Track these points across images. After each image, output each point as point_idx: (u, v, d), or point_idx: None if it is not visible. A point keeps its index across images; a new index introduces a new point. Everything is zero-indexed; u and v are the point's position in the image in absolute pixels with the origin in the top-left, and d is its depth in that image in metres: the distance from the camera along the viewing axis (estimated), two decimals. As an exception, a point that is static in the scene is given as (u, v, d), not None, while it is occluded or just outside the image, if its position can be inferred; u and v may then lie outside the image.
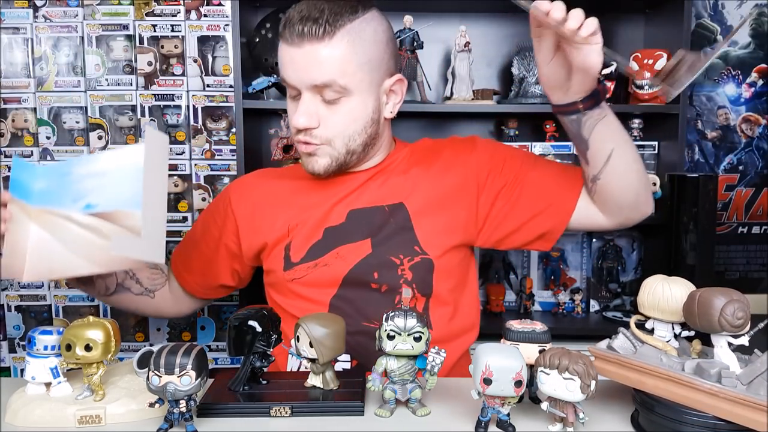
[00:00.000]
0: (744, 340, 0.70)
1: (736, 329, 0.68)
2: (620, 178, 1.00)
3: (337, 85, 0.99)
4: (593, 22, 0.83)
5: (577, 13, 0.83)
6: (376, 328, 1.01)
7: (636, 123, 1.93)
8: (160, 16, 2.06)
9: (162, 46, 2.06)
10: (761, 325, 0.73)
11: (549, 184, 1.08)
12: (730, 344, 0.71)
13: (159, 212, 0.86)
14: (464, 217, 1.09)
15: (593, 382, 0.67)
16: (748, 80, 2.06)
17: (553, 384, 0.69)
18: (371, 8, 1.04)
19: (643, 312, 0.77)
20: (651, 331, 0.77)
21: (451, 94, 1.85)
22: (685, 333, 0.77)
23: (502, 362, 0.69)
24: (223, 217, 1.16)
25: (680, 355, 0.75)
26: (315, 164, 1.06)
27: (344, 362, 1.01)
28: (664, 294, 0.74)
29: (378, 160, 1.13)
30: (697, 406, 0.68)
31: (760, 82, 2.06)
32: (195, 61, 2.07)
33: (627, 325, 0.79)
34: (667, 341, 0.76)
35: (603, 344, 0.79)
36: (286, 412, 0.77)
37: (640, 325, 0.79)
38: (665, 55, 1.82)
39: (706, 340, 0.78)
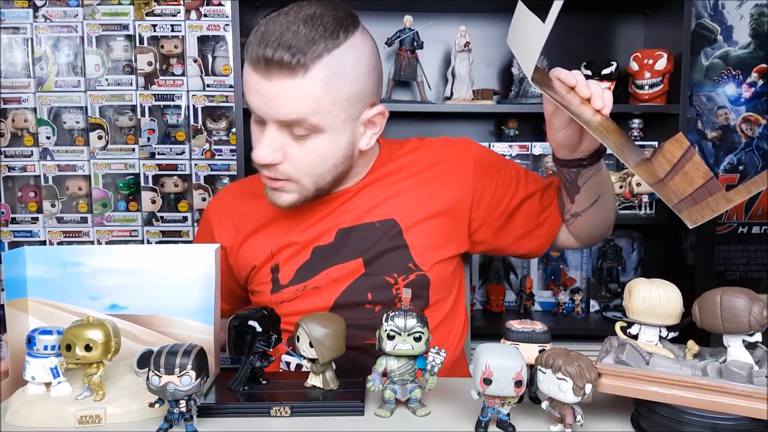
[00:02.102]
0: (758, 337, 0.71)
1: (763, 327, 0.69)
2: (599, 216, 1.07)
3: (308, 123, 0.89)
4: (609, 100, 0.85)
5: (598, 90, 0.85)
6: (369, 344, 0.99)
7: (636, 123, 1.94)
8: (160, 16, 2.06)
9: (162, 46, 2.06)
10: None
11: (536, 208, 1.09)
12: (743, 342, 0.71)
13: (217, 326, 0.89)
14: (457, 229, 1.06)
15: (588, 385, 0.67)
16: (748, 80, 2.06)
17: (548, 383, 0.69)
18: (356, 29, 0.91)
19: (636, 318, 0.75)
20: (635, 337, 0.76)
21: (451, 94, 1.85)
22: (671, 335, 0.76)
23: (502, 362, 0.69)
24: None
25: (676, 358, 0.75)
26: (279, 199, 0.98)
27: None
28: (661, 298, 0.73)
29: (362, 175, 1.06)
30: (728, 410, 0.67)
31: (760, 82, 2.06)
32: (195, 61, 2.07)
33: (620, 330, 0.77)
34: (654, 345, 0.76)
35: (609, 359, 0.73)
36: (286, 412, 0.77)
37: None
38: (665, 55, 1.82)
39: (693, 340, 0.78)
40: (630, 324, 0.77)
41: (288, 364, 1.03)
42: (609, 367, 0.72)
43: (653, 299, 0.73)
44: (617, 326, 0.78)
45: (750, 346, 0.71)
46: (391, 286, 1.01)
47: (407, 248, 1.02)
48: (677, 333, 0.76)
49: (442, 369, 1.05)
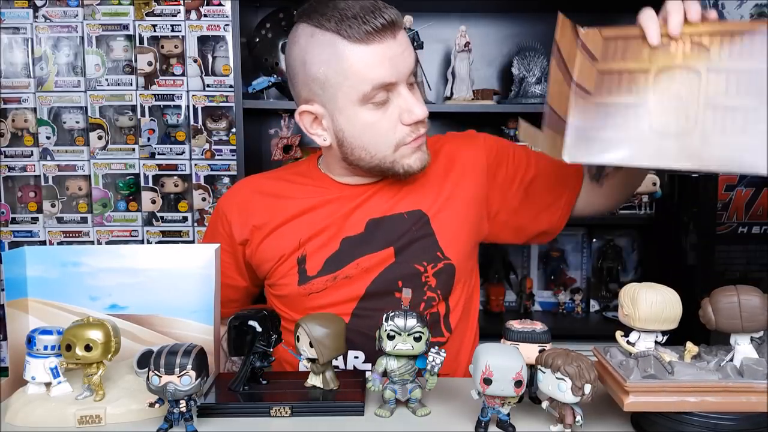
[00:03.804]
0: (761, 333, 0.71)
1: None
2: (634, 177, 1.11)
3: (414, 67, 0.99)
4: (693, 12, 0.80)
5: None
6: None
7: (636, 123, 1.93)
8: (160, 16, 2.06)
9: (162, 46, 2.07)
10: None
11: (551, 181, 1.11)
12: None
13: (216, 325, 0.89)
14: (477, 217, 1.10)
15: (587, 386, 0.66)
16: (748, 80, 2.06)
17: (547, 383, 0.69)
18: None
19: (642, 326, 0.73)
20: (633, 344, 0.76)
21: (451, 94, 1.85)
22: (664, 338, 0.75)
23: (502, 362, 0.69)
24: (230, 242, 1.09)
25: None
26: (425, 158, 1.02)
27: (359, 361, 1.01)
28: (666, 303, 0.72)
29: None
30: (755, 408, 0.67)
31: (760, 82, 2.06)
32: (195, 61, 2.07)
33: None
34: (652, 350, 0.75)
35: (636, 377, 0.70)
36: (286, 412, 0.77)
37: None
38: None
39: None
40: (628, 331, 0.76)
41: None
42: (640, 384, 0.69)
43: (660, 305, 0.72)
44: (618, 335, 0.77)
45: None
46: (421, 274, 1.04)
47: (434, 236, 1.06)
48: (668, 336, 0.75)
49: (459, 368, 1.07)
